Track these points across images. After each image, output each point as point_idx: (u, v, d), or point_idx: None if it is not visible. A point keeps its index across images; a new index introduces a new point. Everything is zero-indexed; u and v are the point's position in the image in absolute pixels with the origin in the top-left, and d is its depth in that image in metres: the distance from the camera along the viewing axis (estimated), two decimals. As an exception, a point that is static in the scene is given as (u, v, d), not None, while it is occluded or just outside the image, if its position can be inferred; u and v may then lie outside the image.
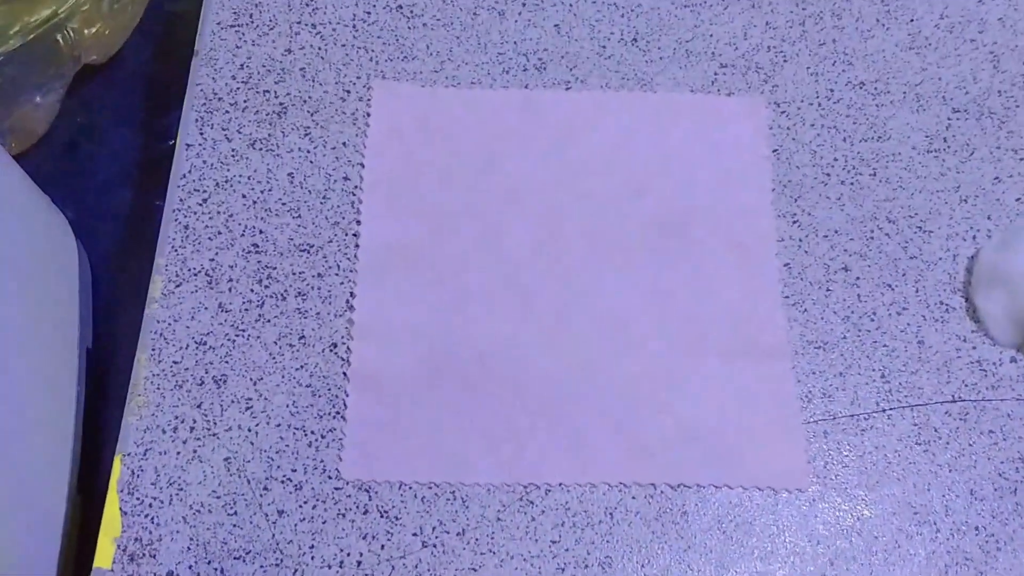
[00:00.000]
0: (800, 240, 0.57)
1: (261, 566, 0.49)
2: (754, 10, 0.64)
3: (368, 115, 0.60)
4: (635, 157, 0.60)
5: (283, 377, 0.53)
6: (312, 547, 0.49)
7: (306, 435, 0.52)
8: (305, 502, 0.50)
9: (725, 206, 0.58)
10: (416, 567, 0.49)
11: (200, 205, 0.57)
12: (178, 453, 0.51)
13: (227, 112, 0.60)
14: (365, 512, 0.50)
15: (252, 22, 0.63)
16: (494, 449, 0.51)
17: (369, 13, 0.63)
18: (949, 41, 0.63)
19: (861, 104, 0.61)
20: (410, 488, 0.51)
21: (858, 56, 0.63)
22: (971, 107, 0.61)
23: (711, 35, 0.63)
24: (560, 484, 0.51)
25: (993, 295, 0.54)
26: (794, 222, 0.58)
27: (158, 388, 0.52)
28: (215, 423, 0.52)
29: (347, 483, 0.50)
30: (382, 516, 0.50)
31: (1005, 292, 0.54)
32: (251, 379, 0.53)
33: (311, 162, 0.59)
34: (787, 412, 0.53)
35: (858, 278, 0.57)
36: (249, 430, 0.51)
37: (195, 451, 0.51)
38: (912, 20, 0.64)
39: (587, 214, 0.58)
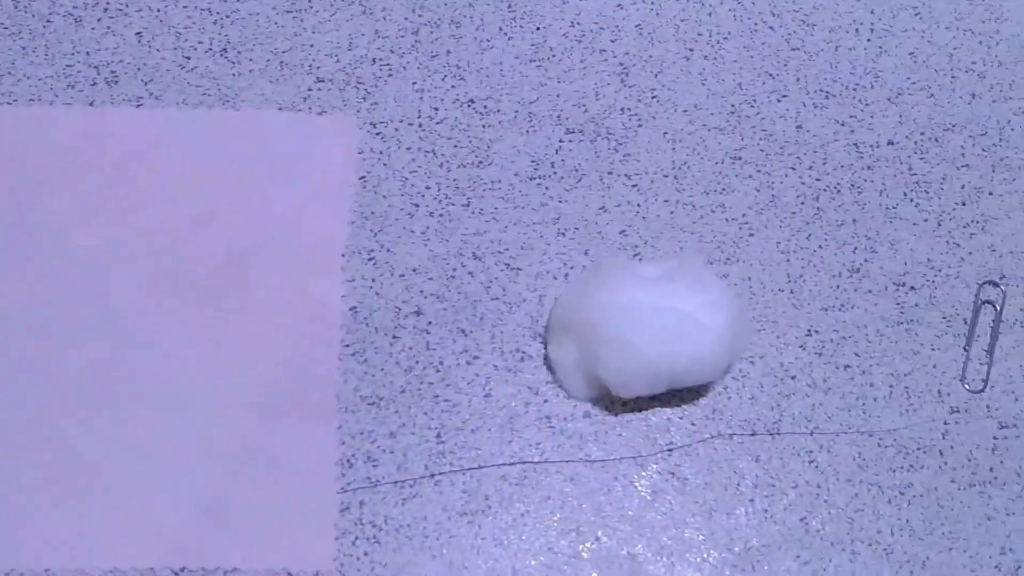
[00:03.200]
0: (373, 280, 0.52)
1: None
2: (364, 16, 0.58)
3: (-102, 138, 0.53)
4: (205, 183, 0.53)
5: None
6: None
7: None
8: None
9: (294, 240, 0.52)
10: None
11: None
12: None
13: None
14: None
15: None
16: (-27, 532, 0.45)
17: (-75, 18, 0.56)
18: (576, 52, 0.58)
19: (467, 125, 0.56)
20: None
21: (472, 70, 0.57)
22: (588, 127, 0.56)
23: (311, 45, 0.57)
24: (46, 570, 0.45)
25: (564, 343, 0.49)
26: (370, 259, 0.52)
27: None
28: None
29: None
30: None
31: (574, 341, 0.49)
32: None
33: None
34: (321, 480, 0.47)
35: (430, 323, 0.51)
36: None
37: None
38: (539, 28, 0.58)
39: (144, 251, 0.52)
